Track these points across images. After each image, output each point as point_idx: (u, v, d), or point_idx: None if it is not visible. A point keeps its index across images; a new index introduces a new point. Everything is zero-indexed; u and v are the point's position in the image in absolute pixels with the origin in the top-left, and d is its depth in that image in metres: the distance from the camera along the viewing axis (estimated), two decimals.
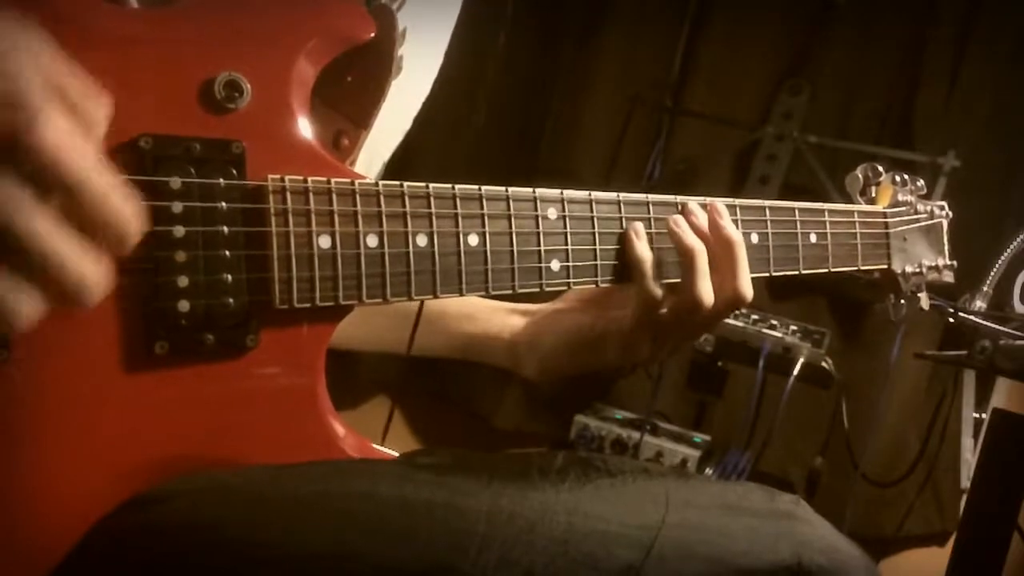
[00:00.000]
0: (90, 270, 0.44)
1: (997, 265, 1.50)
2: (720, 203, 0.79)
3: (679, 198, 0.78)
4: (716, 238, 0.77)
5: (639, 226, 0.76)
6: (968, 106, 2.11)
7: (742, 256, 0.77)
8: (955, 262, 1.03)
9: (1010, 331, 1.33)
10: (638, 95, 2.27)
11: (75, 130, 0.44)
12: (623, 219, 0.76)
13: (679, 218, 0.77)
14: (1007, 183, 2.08)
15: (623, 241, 0.75)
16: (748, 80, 2.25)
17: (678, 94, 2.29)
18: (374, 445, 0.67)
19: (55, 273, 0.43)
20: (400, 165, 0.91)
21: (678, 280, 0.76)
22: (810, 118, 2.14)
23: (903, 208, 0.97)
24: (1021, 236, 1.53)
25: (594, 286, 0.79)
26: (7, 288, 0.43)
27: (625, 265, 0.76)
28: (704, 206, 0.78)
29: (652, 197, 0.77)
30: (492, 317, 0.89)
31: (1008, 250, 1.51)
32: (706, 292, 0.76)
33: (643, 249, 0.75)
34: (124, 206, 0.45)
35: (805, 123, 2.13)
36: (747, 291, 0.78)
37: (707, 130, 2.25)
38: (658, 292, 0.76)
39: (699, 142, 2.27)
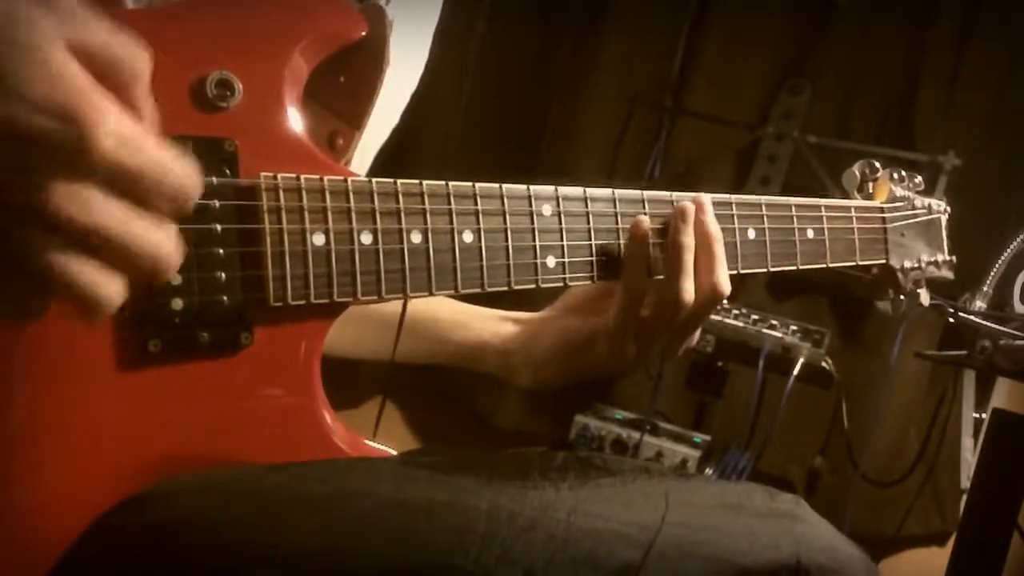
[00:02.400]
0: (163, 244, 0.45)
1: (997, 265, 1.50)
2: (706, 197, 0.78)
3: (674, 194, 0.78)
4: (698, 234, 0.77)
5: (645, 220, 0.75)
6: (968, 106, 2.10)
7: (720, 252, 0.77)
8: (954, 257, 1.02)
9: (1010, 331, 1.33)
10: (638, 95, 2.27)
11: (128, 121, 0.43)
12: (618, 215, 0.75)
13: (679, 214, 0.76)
14: (1007, 183, 2.08)
15: (629, 235, 0.75)
16: (748, 80, 2.24)
17: (678, 94, 2.28)
18: (368, 442, 0.66)
19: (134, 255, 0.44)
20: (395, 161, 0.91)
21: (661, 277, 0.76)
22: (810, 118, 2.14)
23: (901, 204, 0.97)
24: (1021, 236, 1.53)
25: (583, 293, 0.79)
26: (92, 278, 0.44)
27: (617, 260, 0.75)
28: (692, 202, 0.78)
29: (647, 193, 0.77)
30: (484, 325, 0.89)
31: (1008, 250, 1.52)
32: (688, 290, 0.75)
33: (641, 243, 0.75)
34: (184, 175, 0.45)
35: (805, 123, 2.13)
36: (724, 287, 0.77)
37: (707, 130, 2.24)
38: (644, 287, 0.75)
39: (699, 142, 2.26)
